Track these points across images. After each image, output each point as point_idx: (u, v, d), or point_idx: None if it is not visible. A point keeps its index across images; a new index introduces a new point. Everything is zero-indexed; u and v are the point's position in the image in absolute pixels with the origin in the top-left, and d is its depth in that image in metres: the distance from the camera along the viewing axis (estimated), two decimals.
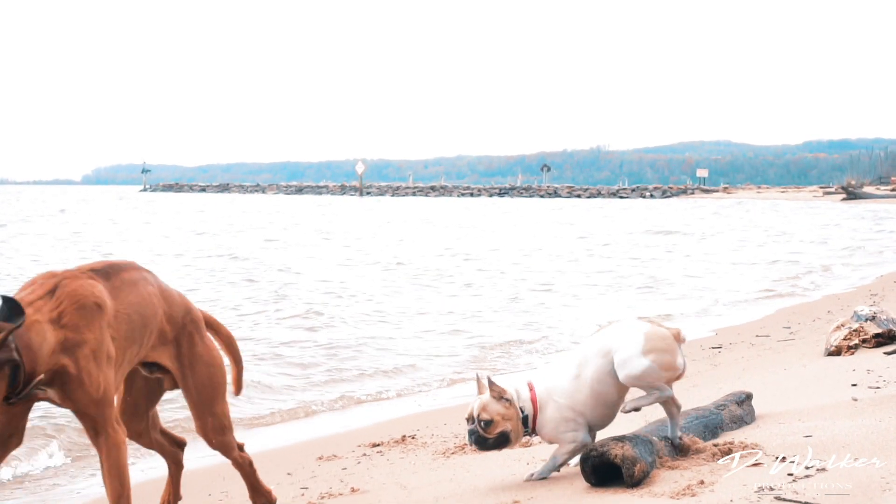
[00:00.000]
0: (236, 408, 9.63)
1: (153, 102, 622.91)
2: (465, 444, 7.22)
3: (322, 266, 26.11)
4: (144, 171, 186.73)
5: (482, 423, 5.39)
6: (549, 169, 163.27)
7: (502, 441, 5.43)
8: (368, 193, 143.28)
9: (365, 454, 7.46)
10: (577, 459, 5.47)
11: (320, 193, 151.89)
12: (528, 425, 5.44)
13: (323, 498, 6.01)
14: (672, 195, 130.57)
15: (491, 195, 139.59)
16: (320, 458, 7.53)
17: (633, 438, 5.19)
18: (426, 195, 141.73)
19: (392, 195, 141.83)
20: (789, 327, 13.28)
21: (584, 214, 70.65)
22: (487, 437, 5.41)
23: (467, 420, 5.49)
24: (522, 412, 5.42)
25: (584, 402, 5.39)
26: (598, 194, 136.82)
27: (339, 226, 51.06)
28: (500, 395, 5.42)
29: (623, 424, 5.86)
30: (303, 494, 6.25)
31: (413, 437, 7.81)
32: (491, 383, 5.43)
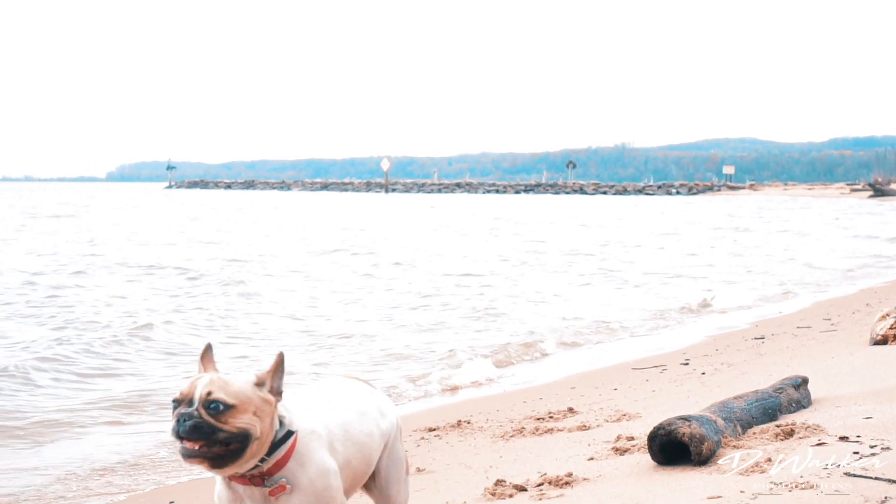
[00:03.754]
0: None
1: (177, 99, 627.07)
2: (524, 428, 7.32)
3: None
4: (170, 167, 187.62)
5: (211, 405, 3.34)
6: (574, 166, 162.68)
7: (240, 442, 3.35)
8: (394, 190, 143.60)
9: (423, 438, 7.61)
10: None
11: (345, 190, 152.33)
12: (274, 451, 3.45)
13: None
14: (698, 192, 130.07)
15: (517, 192, 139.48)
16: None
17: (699, 418, 5.32)
18: (451, 192, 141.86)
19: (417, 192, 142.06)
20: (829, 319, 13.34)
21: (643, 212, 69.93)
22: (217, 425, 3.33)
23: (176, 402, 3.39)
24: (282, 424, 3.49)
25: (350, 458, 3.75)
26: (625, 191, 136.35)
27: (433, 224, 49.85)
28: (266, 382, 3.47)
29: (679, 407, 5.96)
30: None
31: (469, 422, 7.95)
32: (278, 364, 3.49)
